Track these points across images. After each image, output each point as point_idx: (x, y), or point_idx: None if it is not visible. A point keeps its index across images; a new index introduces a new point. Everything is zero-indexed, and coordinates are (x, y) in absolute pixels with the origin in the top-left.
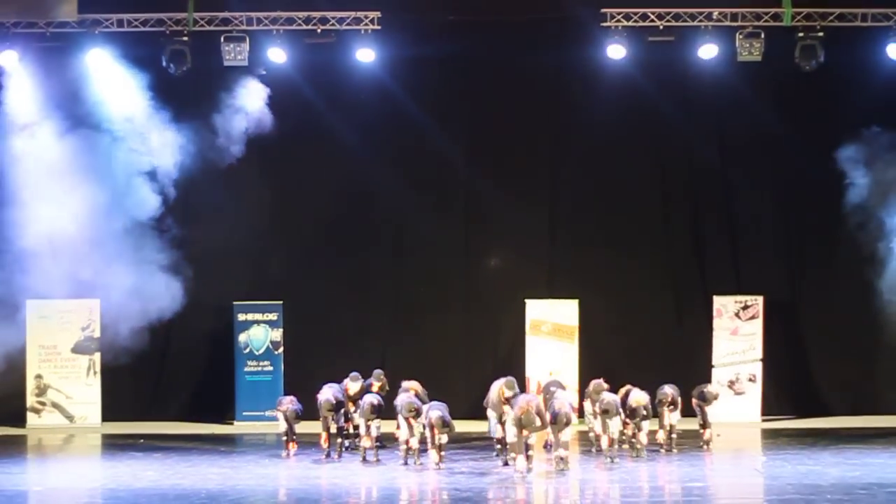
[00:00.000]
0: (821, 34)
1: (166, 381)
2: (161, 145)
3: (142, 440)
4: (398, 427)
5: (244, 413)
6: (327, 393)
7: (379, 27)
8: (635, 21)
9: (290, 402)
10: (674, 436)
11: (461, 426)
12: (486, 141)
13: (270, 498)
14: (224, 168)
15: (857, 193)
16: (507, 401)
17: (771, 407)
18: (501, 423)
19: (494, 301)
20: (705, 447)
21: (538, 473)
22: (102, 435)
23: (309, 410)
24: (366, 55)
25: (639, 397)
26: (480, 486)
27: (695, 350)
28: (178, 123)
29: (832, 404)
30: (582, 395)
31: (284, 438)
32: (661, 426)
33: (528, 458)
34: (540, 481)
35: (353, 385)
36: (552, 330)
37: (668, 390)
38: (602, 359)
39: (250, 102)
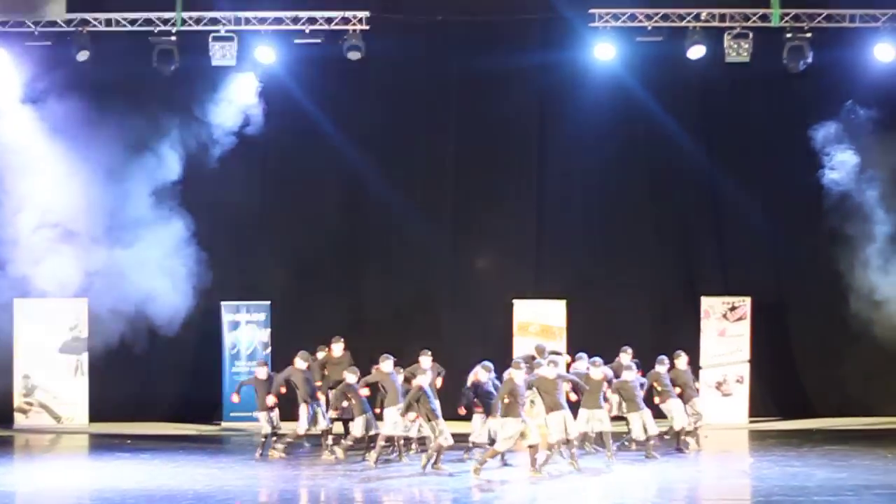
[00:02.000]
0: (808, 35)
1: (154, 382)
2: (147, 145)
3: (129, 441)
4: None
5: (231, 414)
6: None
7: (367, 27)
8: (623, 21)
9: None
10: (651, 441)
11: (448, 428)
12: (473, 141)
13: (258, 499)
14: (212, 168)
15: (841, 189)
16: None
17: (758, 408)
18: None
19: (482, 302)
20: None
21: (526, 478)
22: (90, 435)
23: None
24: (354, 55)
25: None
26: (468, 488)
27: (682, 351)
28: (165, 123)
29: (819, 405)
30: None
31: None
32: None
33: (533, 461)
34: (527, 484)
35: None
36: (540, 330)
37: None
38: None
39: (238, 102)
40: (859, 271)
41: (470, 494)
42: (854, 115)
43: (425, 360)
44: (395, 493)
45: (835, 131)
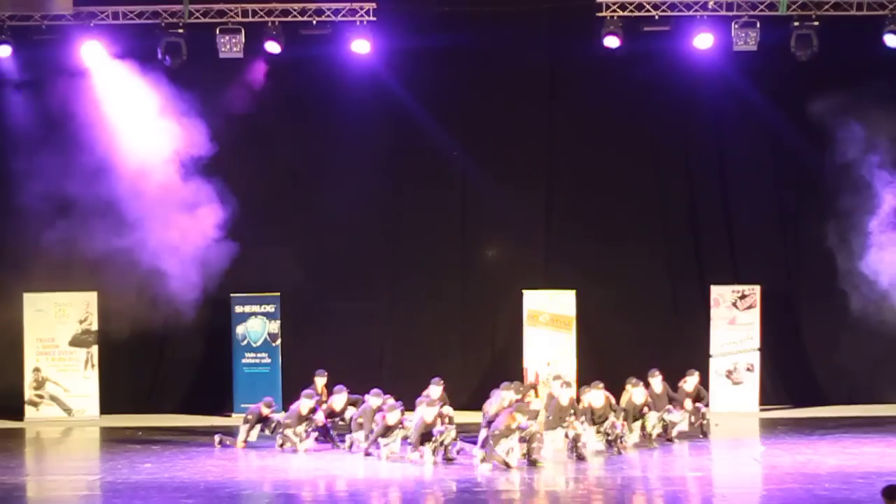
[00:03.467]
0: (816, 23)
1: (164, 374)
2: (151, 135)
3: (140, 433)
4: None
5: (242, 405)
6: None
7: (374, 18)
8: (630, 11)
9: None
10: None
11: (457, 417)
12: (481, 131)
13: (268, 489)
14: (222, 159)
15: (848, 175)
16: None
17: (769, 396)
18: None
19: (492, 292)
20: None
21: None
22: (101, 428)
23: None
24: (361, 46)
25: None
26: (476, 478)
27: (692, 340)
28: (173, 114)
29: (830, 393)
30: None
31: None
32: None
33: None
34: (536, 474)
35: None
36: (550, 320)
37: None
38: (600, 349)
39: (247, 94)
40: (868, 258)
41: (478, 483)
42: (863, 102)
43: (435, 389)
44: (404, 483)
45: (844, 118)
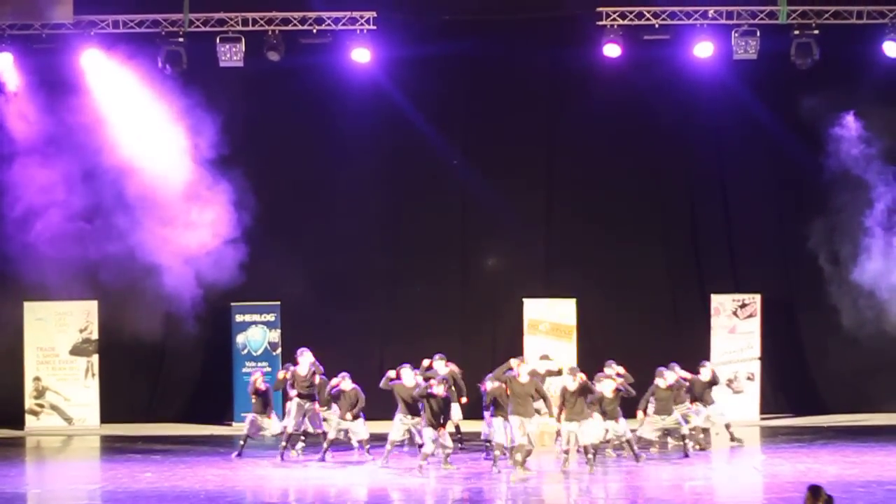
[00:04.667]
0: (816, 32)
1: (165, 383)
2: (150, 145)
3: (139, 443)
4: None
5: (242, 414)
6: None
7: (374, 27)
8: (631, 20)
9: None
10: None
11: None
12: (482, 140)
13: (268, 499)
14: (220, 170)
15: (849, 184)
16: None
17: (769, 405)
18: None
19: (492, 300)
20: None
21: (535, 475)
22: (101, 437)
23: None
24: (362, 55)
25: None
26: (480, 488)
27: (693, 349)
28: (174, 123)
29: (830, 402)
30: None
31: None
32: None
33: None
34: (535, 483)
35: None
36: (550, 329)
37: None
38: (600, 358)
39: (248, 103)
40: (867, 267)
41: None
42: (864, 110)
43: (439, 364)
44: (404, 492)
45: (845, 127)
